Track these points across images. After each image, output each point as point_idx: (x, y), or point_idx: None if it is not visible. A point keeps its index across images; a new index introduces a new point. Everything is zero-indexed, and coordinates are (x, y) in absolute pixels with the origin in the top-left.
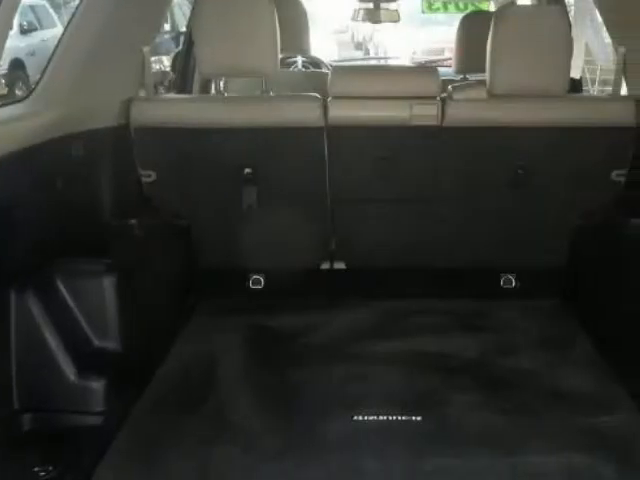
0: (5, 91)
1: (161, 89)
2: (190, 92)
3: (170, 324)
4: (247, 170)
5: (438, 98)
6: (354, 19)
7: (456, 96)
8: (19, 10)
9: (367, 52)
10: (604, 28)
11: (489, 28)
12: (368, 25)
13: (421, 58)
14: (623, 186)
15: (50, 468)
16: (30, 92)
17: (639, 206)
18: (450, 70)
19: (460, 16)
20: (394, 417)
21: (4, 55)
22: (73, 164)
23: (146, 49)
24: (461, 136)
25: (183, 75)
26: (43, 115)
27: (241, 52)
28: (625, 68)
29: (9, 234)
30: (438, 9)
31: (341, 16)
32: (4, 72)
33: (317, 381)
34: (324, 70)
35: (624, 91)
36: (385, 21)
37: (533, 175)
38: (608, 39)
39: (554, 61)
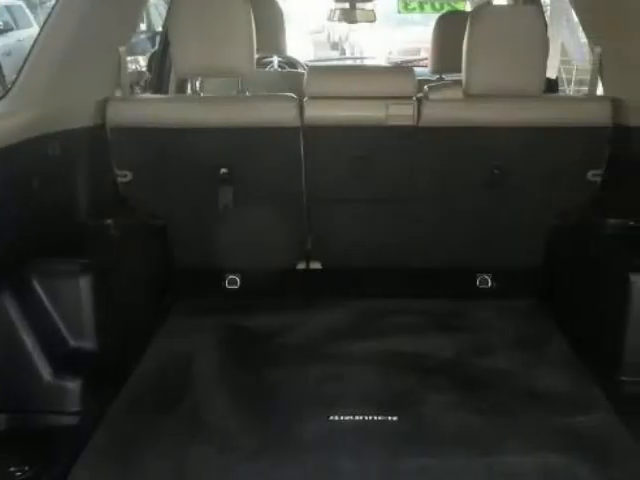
0: None
1: (137, 89)
2: (166, 92)
3: (146, 324)
4: (223, 170)
5: (414, 98)
6: (330, 19)
7: (432, 96)
8: None
9: (343, 52)
10: (580, 28)
11: (465, 28)
12: (344, 25)
13: (397, 58)
14: (599, 186)
15: (26, 468)
16: (6, 92)
17: (615, 206)
18: (426, 70)
19: (436, 16)
20: (370, 417)
21: None
22: (49, 164)
23: (122, 49)
24: (437, 136)
25: (159, 75)
26: (19, 115)
27: (217, 52)
28: (601, 68)
29: None
30: (414, 9)
31: (317, 16)
32: None
33: (293, 381)
34: (300, 70)
35: (600, 91)
36: (361, 21)
37: (509, 175)
38: (584, 39)
39: (530, 61)
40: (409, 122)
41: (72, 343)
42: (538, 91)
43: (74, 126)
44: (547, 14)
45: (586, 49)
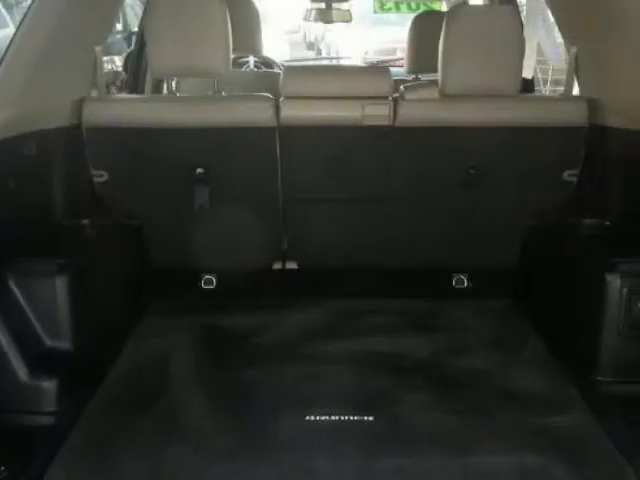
0: None
1: (113, 89)
2: (142, 92)
3: (122, 324)
4: (199, 170)
5: (390, 98)
6: (306, 19)
7: (408, 96)
8: None
9: (319, 52)
10: (556, 28)
11: (441, 28)
12: (320, 25)
13: (373, 58)
14: (575, 186)
15: (2, 468)
16: None
17: (590, 206)
18: (402, 70)
19: (412, 16)
20: (346, 417)
21: None
22: (25, 164)
23: (98, 49)
24: (413, 136)
25: (135, 75)
26: None
27: (193, 52)
28: (577, 68)
29: None
30: (390, 9)
31: (293, 16)
32: None
33: (269, 381)
34: (276, 70)
35: (576, 91)
36: (337, 21)
37: (485, 175)
38: (560, 39)
39: (506, 61)
40: (385, 122)
41: (48, 343)
42: (514, 91)
43: (50, 126)
44: (523, 14)
45: (562, 49)
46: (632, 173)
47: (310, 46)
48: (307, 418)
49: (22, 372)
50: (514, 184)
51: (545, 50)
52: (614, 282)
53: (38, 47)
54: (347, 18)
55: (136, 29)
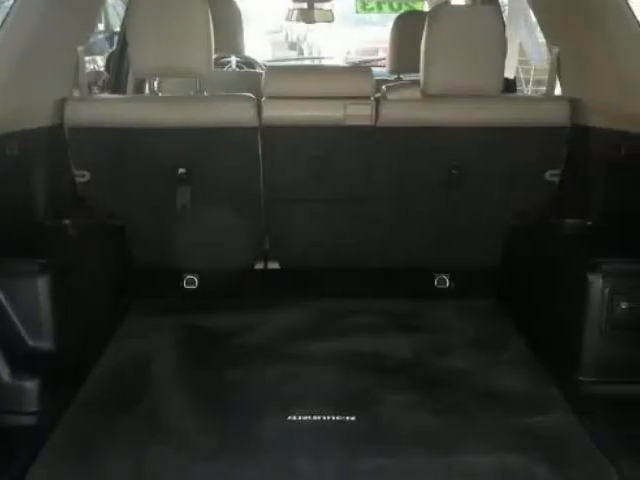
0: None
1: (95, 89)
2: (124, 92)
3: (104, 324)
4: (181, 170)
5: (372, 98)
6: (288, 19)
7: (390, 96)
8: None
9: (301, 52)
10: (538, 28)
11: (423, 28)
12: (302, 25)
13: (355, 58)
14: (557, 186)
15: None
16: None
17: (572, 206)
18: (384, 70)
19: (394, 16)
20: (328, 417)
21: None
22: (7, 164)
23: (80, 49)
24: (395, 136)
25: (117, 75)
26: None
27: (175, 52)
28: (559, 68)
29: None
30: (372, 9)
31: (275, 16)
32: None
33: (252, 381)
34: (258, 70)
35: (558, 91)
36: (319, 21)
37: (467, 175)
38: (542, 39)
39: (488, 61)
40: (367, 122)
41: (30, 343)
42: (496, 91)
43: (32, 126)
44: (505, 14)
45: (544, 49)
46: (614, 173)
47: (292, 46)
48: (289, 418)
49: (4, 372)
50: (496, 184)
51: (527, 50)
52: (596, 282)
53: (20, 47)
54: (329, 18)
55: (118, 29)
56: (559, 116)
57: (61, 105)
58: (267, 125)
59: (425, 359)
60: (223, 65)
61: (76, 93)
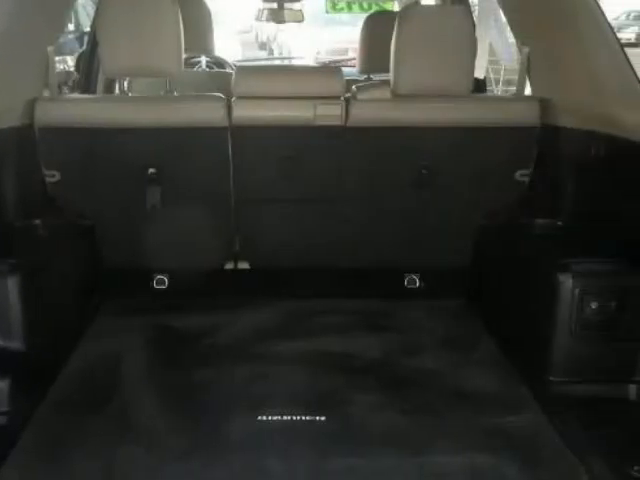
0: None
1: (65, 89)
2: (94, 92)
3: (74, 324)
4: (151, 170)
5: (342, 98)
6: (258, 19)
7: (360, 96)
8: None
9: (271, 52)
10: (508, 28)
11: (393, 28)
12: (272, 25)
13: (325, 58)
14: (527, 186)
15: None
16: None
17: (542, 206)
18: (354, 70)
19: (364, 16)
20: (298, 417)
21: None
22: None
23: (50, 49)
24: (365, 136)
25: (87, 75)
26: None
27: (145, 52)
28: (529, 68)
29: None
30: (342, 9)
31: (245, 16)
32: None
33: (221, 381)
34: (228, 70)
35: (528, 91)
36: (289, 21)
37: (437, 175)
38: (512, 39)
39: (458, 61)
40: (337, 122)
41: (0, 343)
42: (466, 91)
43: (2, 126)
44: (475, 14)
45: (514, 49)
46: (584, 173)
47: (262, 46)
48: (259, 418)
49: None
50: (466, 184)
51: (497, 50)
52: (566, 282)
53: None
54: (299, 18)
55: (88, 29)
56: (529, 116)
57: (31, 105)
58: (237, 125)
59: (395, 359)
60: (193, 65)
61: (46, 93)
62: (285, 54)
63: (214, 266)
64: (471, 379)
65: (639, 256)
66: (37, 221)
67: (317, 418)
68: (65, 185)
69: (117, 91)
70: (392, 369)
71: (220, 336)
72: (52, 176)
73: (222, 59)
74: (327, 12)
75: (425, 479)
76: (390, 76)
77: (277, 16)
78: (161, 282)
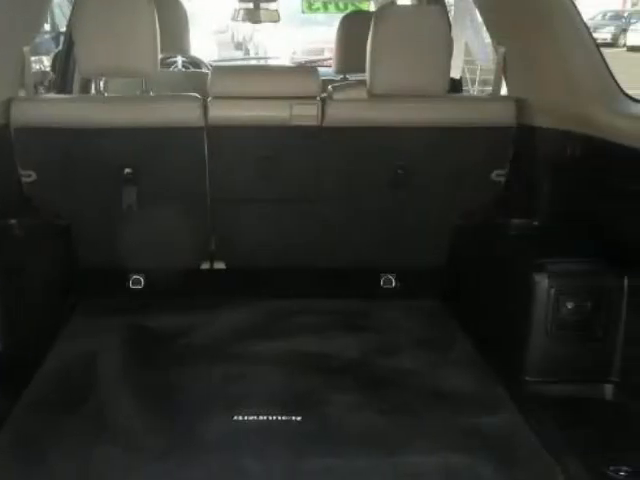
0: None
1: (41, 89)
2: (70, 92)
3: (50, 324)
4: (127, 170)
5: (318, 98)
6: (234, 19)
7: (336, 96)
8: None
9: (247, 52)
10: (484, 28)
11: (369, 28)
12: (248, 25)
13: (301, 58)
14: (503, 186)
15: None
16: None
17: (518, 206)
18: (330, 70)
19: (340, 16)
20: (274, 417)
21: None
22: None
23: (26, 49)
24: (341, 136)
25: (63, 75)
26: None
27: (121, 52)
28: (505, 68)
29: None
30: (318, 9)
31: (221, 16)
32: None
33: (198, 381)
34: (204, 70)
35: (504, 91)
36: (265, 21)
37: (413, 175)
38: (488, 39)
39: (434, 61)
40: (313, 122)
41: None
42: (442, 91)
43: None
44: (451, 14)
45: (490, 49)
46: (559, 173)
47: (238, 46)
48: (236, 418)
49: None
50: (442, 184)
51: (473, 50)
52: (542, 282)
53: None
54: (275, 18)
55: (64, 29)
56: (505, 116)
57: (7, 105)
58: (213, 125)
59: (372, 359)
60: (169, 65)
61: (22, 93)
62: (261, 54)
63: (190, 266)
64: (448, 379)
65: (615, 256)
66: (13, 221)
67: (294, 418)
68: (41, 185)
69: (93, 91)
70: (369, 369)
71: (196, 336)
72: (28, 176)
73: (198, 59)
74: (303, 12)
75: (400, 479)
76: (366, 76)
77: (253, 16)
78: (137, 282)
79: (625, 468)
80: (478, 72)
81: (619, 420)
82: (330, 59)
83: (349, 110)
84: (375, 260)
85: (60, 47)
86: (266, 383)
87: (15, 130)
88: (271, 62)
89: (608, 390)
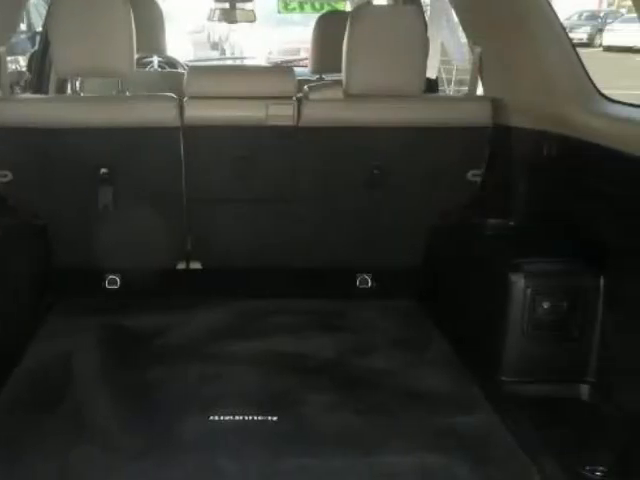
0: None
1: (17, 89)
2: (46, 92)
3: (27, 324)
4: (103, 170)
5: (294, 98)
6: (210, 19)
7: (312, 96)
8: None
9: (223, 52)
10: (460, 28)
11: (345, 28)
12: (224, 25)
13: (277, 58)
14: (479, 186)
15: None
16: None
17: (494, 206)
18: (306, 70)
19: (316, 16)
20: (250, 417)
21: None
22: None
23: (2, 49)
24: (317, 136)
25: (39, 75)
26: None
27: (97, 52)
28: (481, 68)
29: None
30: (294, 9)
31: (197, 16)
32: None
33: (174, 381)
34: (180, 70)
35: (480, 91)
36: (241, 21)
37: (389, 175)
38: (464, 39)
39: (410, 61)
40: (289, 122)
41: None
42: (418, 91)
43: None
44: (427, 14)
45: (466, 49)
46: (535, 173)
47: (214, 46)
48: (212, 418)
49: None
50: (418, 184)
51: (449, 50)
52: (518, 282)
53: None
54: (251, 18)
55: (40, 29)
56: (481, 116)
57: None
58: (189, 125)
59: (347, 359)
60: (145, 65)
61: None
62: (237, 54)
63: (166, 266)
64: (424, 379)
65: (591, 256)
66: None
67: (270, 418)
68: (17, 185)
69: (69, 91)
70: (345, 369)
71: (173, 336)
72: (4, 176)
73: (174, 59)
74: (279, 12)
75: (376, 479)
76: (342, 76)
77: (229, 16)
78: (113, 282)
79: (601, 468)
80: (454, 72)
81: (595, 420)
82: (306, 59)
83: (325, 110)
84: (351, 260)
85: (36, 47)
86: (242, 383)
87: None
88: (247, 62)
89: (584, 390)
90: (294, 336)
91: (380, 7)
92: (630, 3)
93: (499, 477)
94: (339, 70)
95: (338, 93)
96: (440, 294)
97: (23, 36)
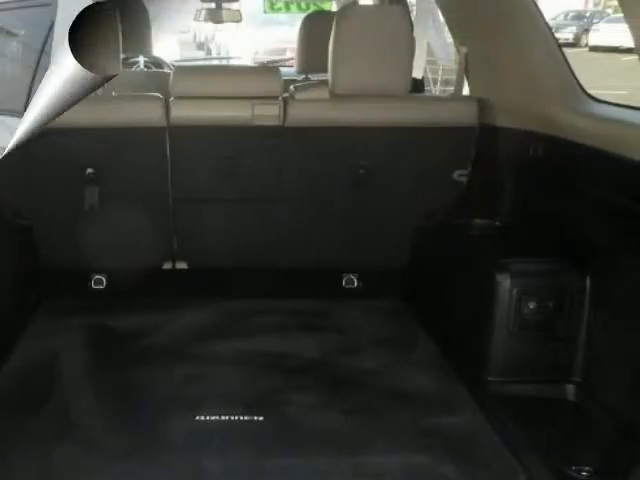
0: None
1: None
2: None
3: (12, 324)
4: (89, 170)
5: (280, 98)
6: (196, 19)
7: (298, 96)
8: None
9: (209, 52)
10: (446, 28)
11: (331, 28)
12: (210, 25)
13: (263, 58)
14: (465, 186)
15: None
16: None
17: (480, 206)
18: (292, 70)
19: (302, 16)
20: (236, 417)
21: None
22: None
23: None
24: (303, 136)
25: None
26: None
27: None
28: (467, 68)
29: None
30: (280, 9)
31: None
32: None
33: (159, 381)
34: (166, 70)
35: (466, 91)
36: (227, 21)
37: (375, 175)
38: (450, 39)
39: (396, 61)
40: (275, 122)
41: None
42: (404, 91)
43: None
44: (413, 14)
45: (452, 49)
46: (521, 173)
47: (200, 46)
48: (197, 418)
49: None
50: (404, 184)
51: (435, 50)
52: (504, 282)
53: None
54: (237, 18)
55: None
56: (467, 116)
57: None
58: (175, 125)
59: (333, 359)
60: (131, 65)
61: None
62: (223, 54)
63: (152, 266)
64: (409, 379)
65: (577, 256)
66: None
67: (255, 418)
68: (3, 185)
69: None
70: (331, 369)
71: (158, 336)
72: None
73: (160, 59)
74: (265, 12)
75: (362, 479)
76: (328, 76)
77: (215, 16)
78: (99, 282)
79: (587, 468)
80: (440, 72)
81: (581, 420)
82: (292, 59)
83: (311, 110)
84: (337, 260)
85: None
86: (228, 383)
87: None
88: (233, 62)
89: (570, 390)
90: (280, 336)
91: (366, 7)
92: (616, 3)
93: (485, 477)
94: (325, 70)
95: (324, 93)
96: (426, 294)
97: None
